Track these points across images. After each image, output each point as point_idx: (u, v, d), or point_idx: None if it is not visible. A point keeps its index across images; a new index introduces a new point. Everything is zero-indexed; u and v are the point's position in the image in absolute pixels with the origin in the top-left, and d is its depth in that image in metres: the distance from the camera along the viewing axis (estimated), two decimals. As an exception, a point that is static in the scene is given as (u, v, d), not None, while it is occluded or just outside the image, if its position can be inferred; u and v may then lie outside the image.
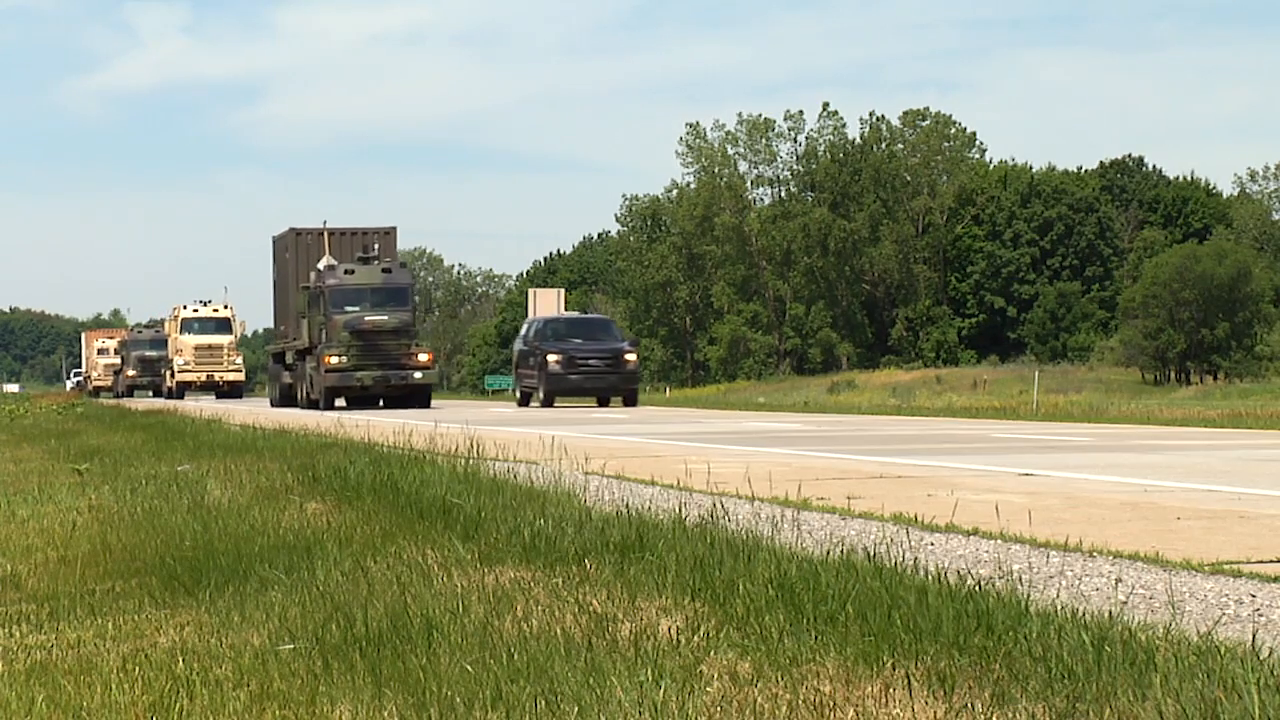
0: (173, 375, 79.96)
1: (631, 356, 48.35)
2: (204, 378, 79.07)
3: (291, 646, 6.63)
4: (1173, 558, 8.04)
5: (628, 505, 9.86)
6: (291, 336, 53.64)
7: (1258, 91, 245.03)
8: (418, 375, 50.06)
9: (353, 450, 16.98)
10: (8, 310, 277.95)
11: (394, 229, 54.11)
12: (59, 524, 12.88)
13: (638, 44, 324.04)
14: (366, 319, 49.05)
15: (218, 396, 77.67)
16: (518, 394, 50.41)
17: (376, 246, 52.44)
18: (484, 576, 7.97)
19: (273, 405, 55.48)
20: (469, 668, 5.85)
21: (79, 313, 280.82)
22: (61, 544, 11.51)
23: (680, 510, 9.44)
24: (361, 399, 50.63)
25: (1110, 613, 5.92)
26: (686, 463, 15.33)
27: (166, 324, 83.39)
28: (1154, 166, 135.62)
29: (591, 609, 6.86)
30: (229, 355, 79.86)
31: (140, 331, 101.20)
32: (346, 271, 51.05)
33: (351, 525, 10.55)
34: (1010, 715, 4.99)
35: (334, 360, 48.94)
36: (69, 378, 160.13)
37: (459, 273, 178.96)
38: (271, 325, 60.81)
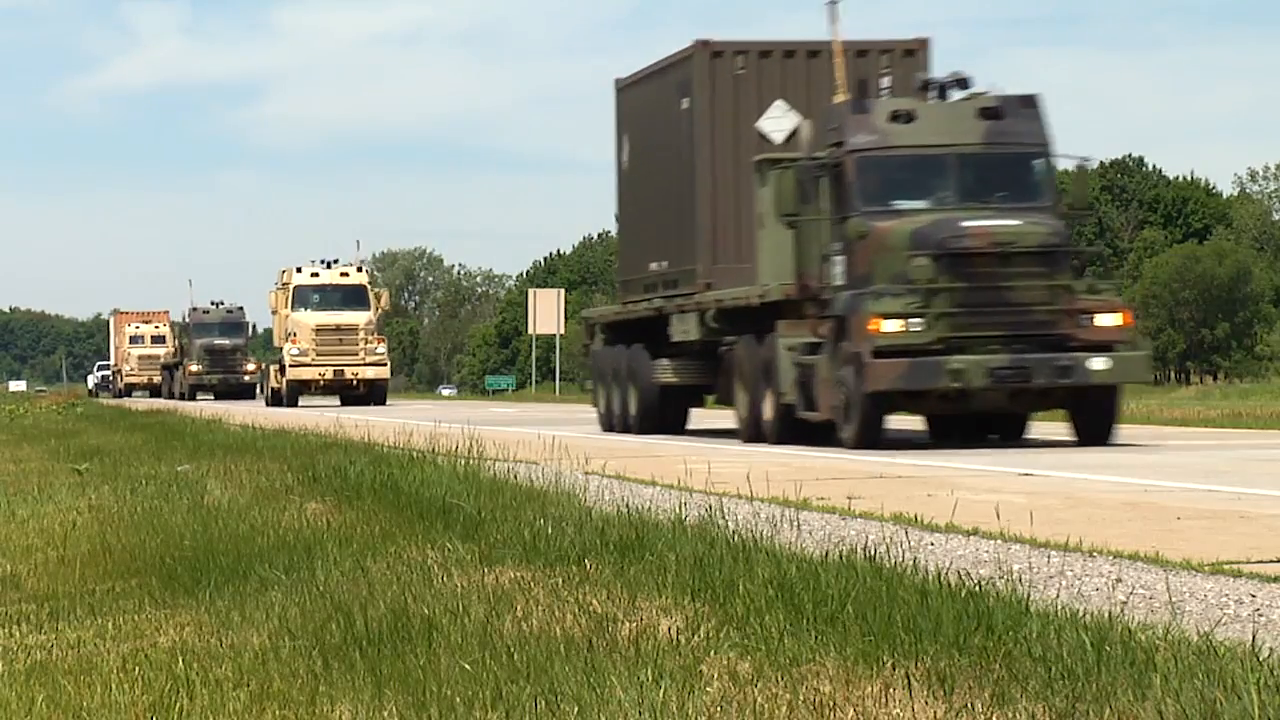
0: (279, 371, 55.86)
1: None
2: (329, 374, 54.69)
3: (290, 646, 6.63)
4: (1173, 558, 8.04)
5: (628, 505, 9.86)
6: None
7: (1258, 91, 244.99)
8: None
9: (353, 450, 16.97)
10: (7, 310, 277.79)
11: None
12: (59, 524, 12.88)
13: (637, 44, 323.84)
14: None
15: (345, 402, 54.42)
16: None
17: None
18: (484, 576, 7.97)
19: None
20: (469, 668, 5.85)
21: (79, 312, 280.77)
22: (61, 544, 11.51)
23: (680, 510, 9.44)
24: None
25: (1110, 613, 5.92)
26: (686, 463, 15.33)
27: (273, 296, 57.49)
28: (1154, 166, 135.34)
29: (591, 609, 6.86)
30: (367, 341, 55.29)
31: (206, 312, 75.92)
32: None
33: (351, 525, 10.55)
34: (1010, 715, 4.99)
35: None
36: (92, 373, 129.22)
37: (459, 273, 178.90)
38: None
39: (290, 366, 54.58)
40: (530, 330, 77.54)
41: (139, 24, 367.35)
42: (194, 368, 73.22)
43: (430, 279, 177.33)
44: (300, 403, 54.70)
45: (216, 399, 69.00)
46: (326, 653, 6.44)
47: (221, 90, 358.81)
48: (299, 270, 56.04)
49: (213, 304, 75.76)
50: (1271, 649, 5.30)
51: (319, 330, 54.54)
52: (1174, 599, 6.89)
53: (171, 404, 57.74)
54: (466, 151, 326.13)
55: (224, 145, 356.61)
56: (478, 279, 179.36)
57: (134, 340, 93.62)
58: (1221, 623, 6.39)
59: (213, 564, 9.27)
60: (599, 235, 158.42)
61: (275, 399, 56.02)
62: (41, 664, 7.06)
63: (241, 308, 76.37)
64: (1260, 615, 6.65)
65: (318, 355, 54.27)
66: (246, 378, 73.58)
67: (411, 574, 8.11)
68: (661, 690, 5.30)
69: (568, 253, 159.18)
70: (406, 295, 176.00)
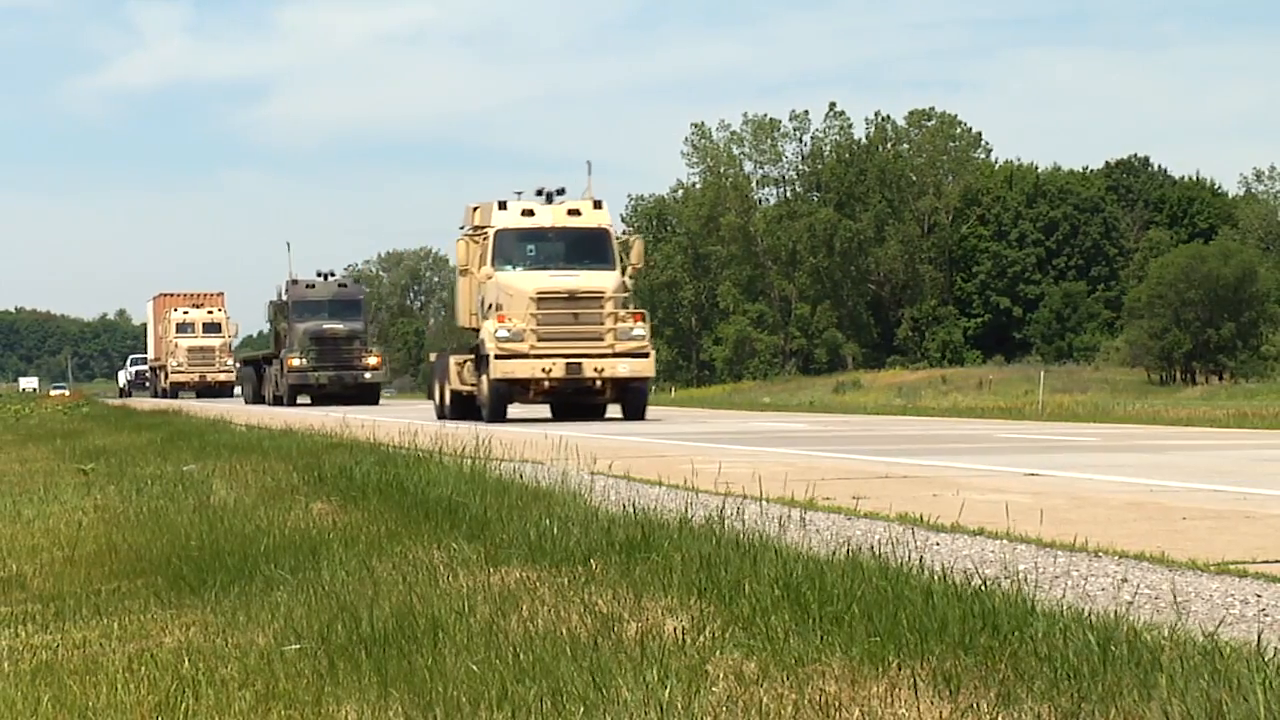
0: (483, 366, 33.00)
1: None
2: (558, 368, 32.51)
3: (298, 647, 6.63)
4: (1178, 558, 8.03)
5: (634, 505, 9.86)
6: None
7: (1264, 91, 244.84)
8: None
9: (358, 450, 16.98)
10: (13, 310, 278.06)
11: None
12: (64, 524, 12.89)
13: (642, 44, 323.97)
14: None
15: (574, 415, 33.71)
16: None
17: None
18: (490, 576, 7.97)
19: None
20: (475, 667, 5.85)
21: (84, 312, 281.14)
22: (67, 544, 11.51)
23: (686, 510, 9.44)
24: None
25: (1116, 613, 5.92)
26: (693, 462, 15.33)
27: (463, 247, 34.63)
28: (1160, 166, 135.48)
29: (597, 609, 6.86)
30: (616, 310, 33.14)
31: (311, 285, 57.81)
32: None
33: (357, 525, 10.55)
34: (1016, 715, 4.99)
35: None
36: (123, 369, 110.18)
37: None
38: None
39: (501, 349, 32.32)
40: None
41: (142, 23, 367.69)
42: (296, 361, 55.84)
43: (436, 279, 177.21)
44: (504, 416, 32.83)
45: (321, 402, 54.61)
46: (332, 653, 6.44)
47: (225, 90, 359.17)
48: (501, 206, 34.19)
49: (320, 275, 58.78)
50: (1277, 649, 5.29)
51: (544, 299, 32.86)
52: (1179, 599, 6.89)
53: (187, 405, 49.54)
54: (470, 151, 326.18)
55: (228, 145, 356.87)
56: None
57: (181, 329, 77.72)
58: (1227, 623, 6.38)
59: (218, 564, 9.27)
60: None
61: (460, 408, 34.37)
62: (47, 664, 7.06)
63: (358, 280, 64.71)
64: (1266, 615, 6.65)
65: (543, 338, 32.69)
66: (368, 375, 57.88)
67: (417, 574, 8.11)
68: (667, 690, 5.30)
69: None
70: (412, 295, 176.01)
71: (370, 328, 64.89)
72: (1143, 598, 7.11)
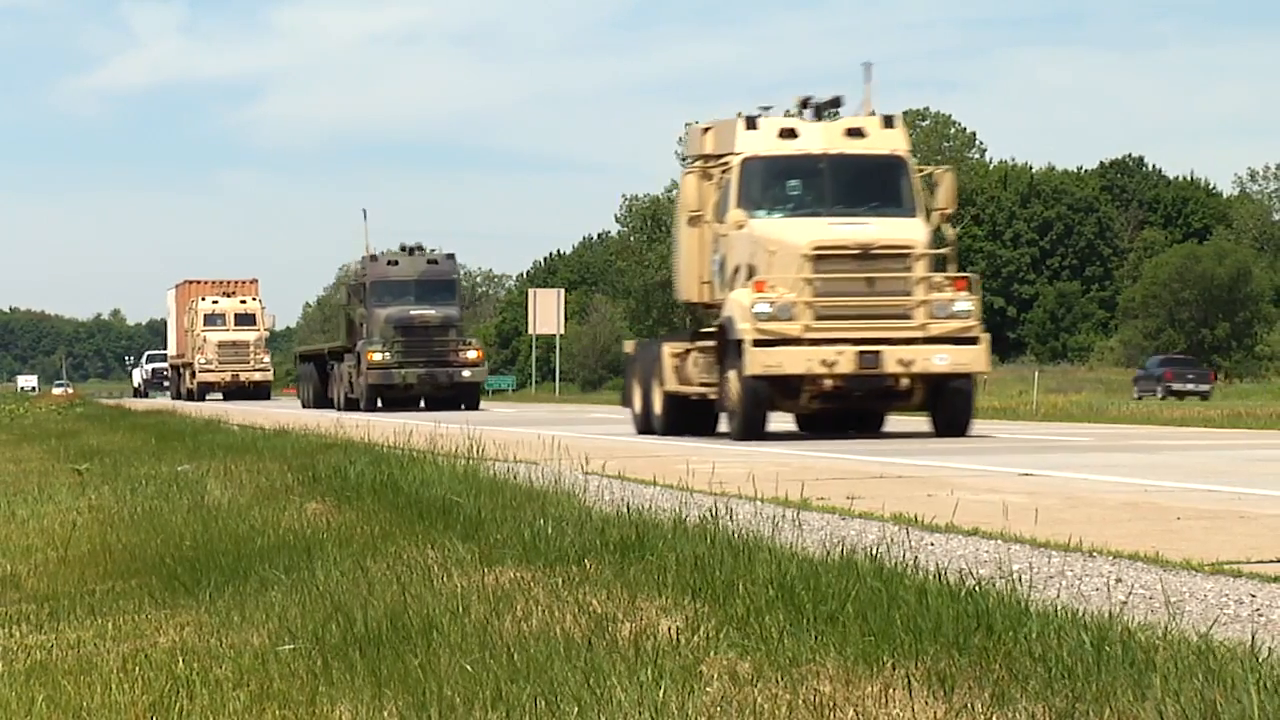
0: (730, 356, 22.75)
1: None
2: (849, 363, 22.35)
3: (292, 647, 6.63)
4: (1173, 558, 8.04)
5: (628, 505, 9.86)
6: None
7: (1258, 91, 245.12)
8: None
9: (353, 450, 16.98)
10: (7, 310, 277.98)
11: None
12: (59, 524, 12.88)
13: (637, 43, 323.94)
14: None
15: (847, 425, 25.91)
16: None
17: None
18: (484, 576, 7.97)
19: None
20: (469, 668, 5.85)
21: (79, 313, 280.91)
22: (61, 544, 11.50)
23: (680, 510, 9.44)
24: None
25: (1110, 613, 5.92)
26: (687, 462, 15.33)
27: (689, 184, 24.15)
28: (1154, 166, 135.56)
29: (591, 609, 6.86)
30: (929, 275, 23.04)
31: (394, 262, 47.21)
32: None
33: (351, 525, 10.55)
34: (1010, 715, 4.99)
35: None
36: (138, 367, 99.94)
37: (459, 273, 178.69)
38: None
39: (757, 343, 22.68)
40: (530, 330, 77.57)
41: (136, 23, 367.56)
42: (377, 356, 45.30)
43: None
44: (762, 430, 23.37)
45: (404, 406, 45.97)
46: (326, 653, 6.44)
47: (220, 90, 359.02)
48: (751, 125, 24.34)
49: (404, 248, 47.75)
50: (1271, 649, 5.30)
51: (821, 256, 23.66)
52: (1174, 599, 6.89)
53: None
54: (466, 151, 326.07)
55: (223, 145, 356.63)
56: (478, 279, 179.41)
57: (210, 321, 67.76)
58: (1221, 623, 6.39)
59: (213, 564, 9.27)
60: (599, 235, 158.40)
61: (681, 417, 25.15)
62: (41, 664, 7.06)
63: (451, 255, 48.34)
64: (1260, 615, 6.65)
65: (818, 318, 23.36)
66: (466, 373, 47.37)
67: (411, 574, 8.11)
68: (661, 690, 5.30)
69: (568, 253, 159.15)
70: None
71: (466, 313, 52.72)
72: (1137, 598, 7.11)
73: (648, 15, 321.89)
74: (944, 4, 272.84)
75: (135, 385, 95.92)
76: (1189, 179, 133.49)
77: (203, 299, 68.97)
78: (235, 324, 67.98)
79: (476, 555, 8.65)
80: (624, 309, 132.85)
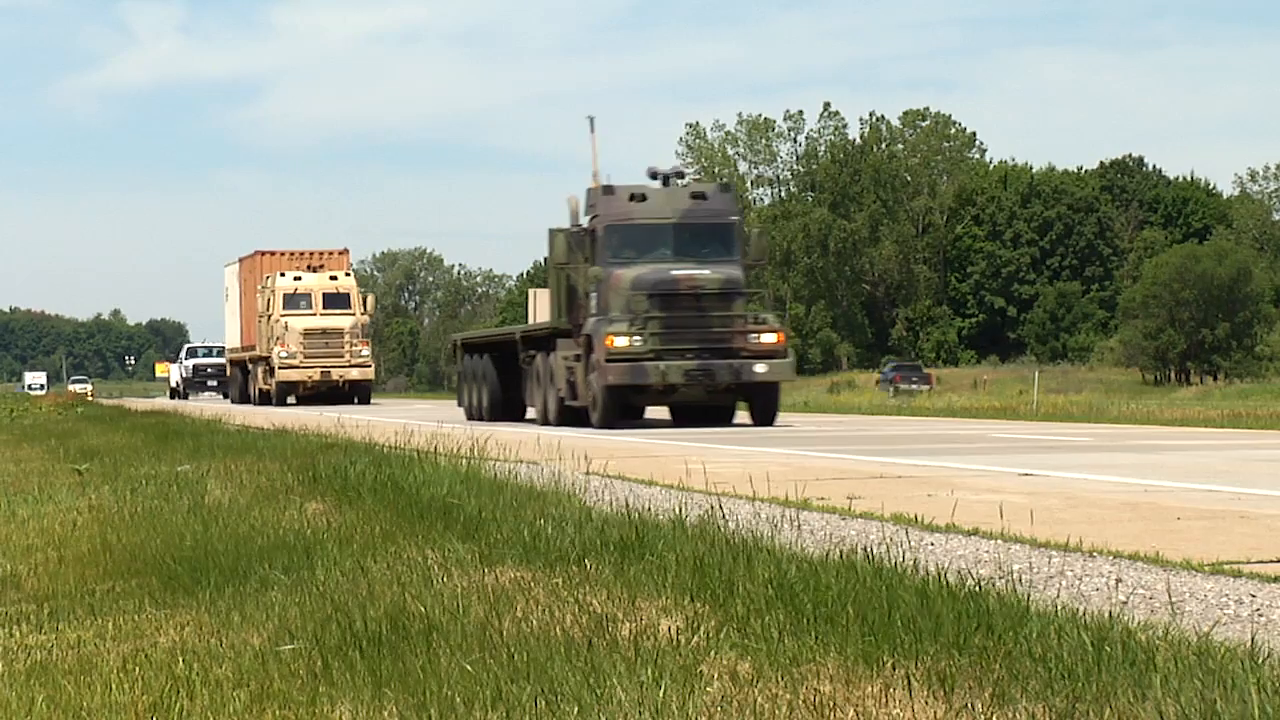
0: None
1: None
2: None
3: (292, 647, 6.63)
4: (1173, 558, 8.04)
5: (628, 505, 9.86)
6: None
7: (1258, 91, 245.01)
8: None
9: (353, 450, 16.97)
10: (7, 310, 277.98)
11: None
12: (59, 524, 12.88)
13: (636, 43, 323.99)
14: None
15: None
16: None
17: None
18: (484, 576, 7.97)
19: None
20: (469, 668, 5.85)
21: (79, 312, 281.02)
22: (61, 544, 11.50)
23: (680, 510, 9.44)
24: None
25: (1110, 613, 5.92)
26: (686, 463, 15.32)
27: None
28: (1154, 166, 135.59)
29: (591, 609, 6.86)
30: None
31: (639, 196, 29.21)
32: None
33: (351, 525, 10.54)
34: (1010, 715, 4.99)
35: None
36: (175, 363, 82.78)
37: (459, 273, 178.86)
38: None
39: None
40: (531, 330, 77.35)
41: (135, 23, 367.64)
42: (619, 340, 28.31)
43: (430, 279, 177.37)
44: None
45: (636, 418, 30.90)
46: (326, 653, 6.44)
47: (219, 89, 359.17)
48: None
49: (654, 175, 30.09)
50: (1271, 649, 5.30)
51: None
52: (1174, 599, 6.89)
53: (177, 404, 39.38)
54: (465, 151, 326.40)
55: (221, 144, 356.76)
56: (478, 279, 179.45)
57: (292, 303, 52.96)
58: (1221, 623, 6.39)
59: (213, 564, 9.26)
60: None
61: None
62: (41, 664, 7.06)
63: (728, 185, 31.59)
64: (1260, 615, 6.65)
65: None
66: (760, 368, 28.56)
67: (411, 574, 8.11)
68: (661, 690, 5.30)
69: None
70: (406, 295, 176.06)
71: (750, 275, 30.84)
72: (1137, 598, 7.11)
73: (648, 15, 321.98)
74: (944, 3, 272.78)
75: (172, 385, 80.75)
76: (1189, 179, 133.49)
77: (281, 275, 53.97)
78: (324, 306, 53.35)
79: (477, 555, 8.65)
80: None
